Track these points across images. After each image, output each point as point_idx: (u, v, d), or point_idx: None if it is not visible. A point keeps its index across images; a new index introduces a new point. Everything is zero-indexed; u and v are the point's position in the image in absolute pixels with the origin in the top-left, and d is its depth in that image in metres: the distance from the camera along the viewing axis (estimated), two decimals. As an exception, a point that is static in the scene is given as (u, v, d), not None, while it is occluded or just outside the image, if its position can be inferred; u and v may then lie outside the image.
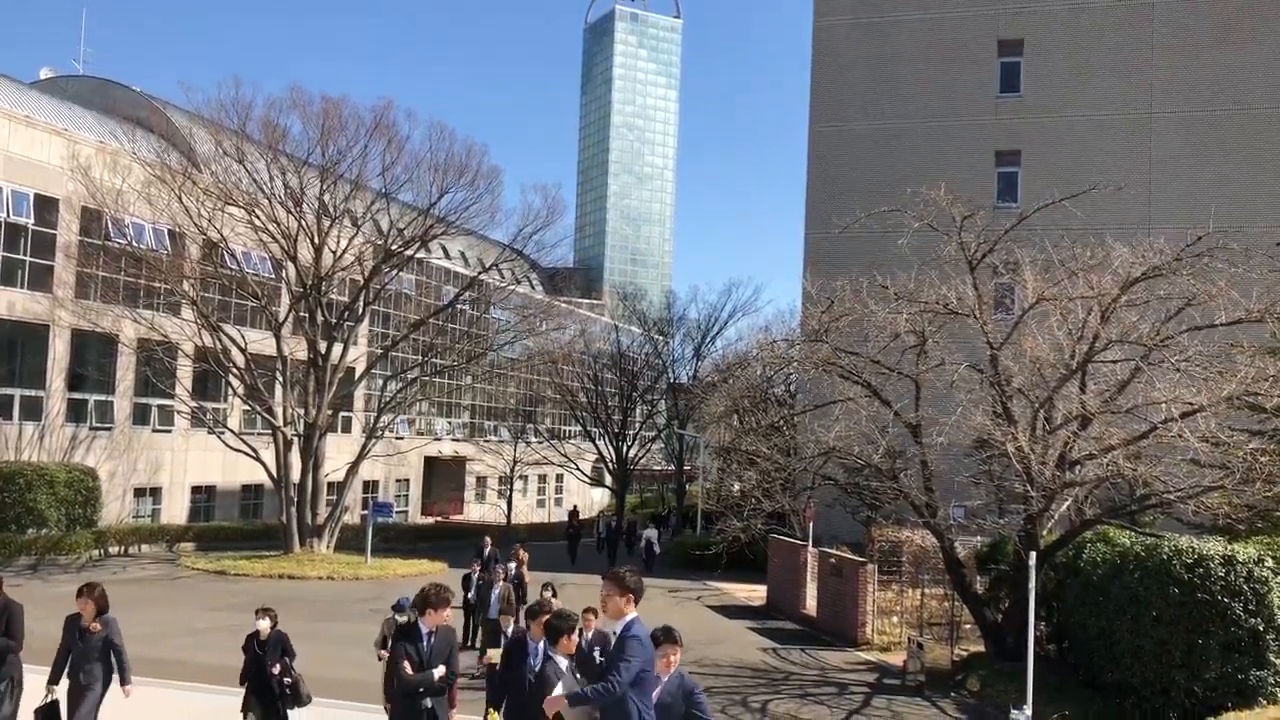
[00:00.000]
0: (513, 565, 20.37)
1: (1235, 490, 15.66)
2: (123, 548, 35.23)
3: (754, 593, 30.42)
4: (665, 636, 7.51)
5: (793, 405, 35.09)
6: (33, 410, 35.79)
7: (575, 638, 8.34)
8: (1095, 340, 17.48)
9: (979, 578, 21.10)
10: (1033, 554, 14.48)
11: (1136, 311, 17.87)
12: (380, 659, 11.90)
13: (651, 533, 36.23)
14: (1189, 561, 14.24)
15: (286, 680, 11.23)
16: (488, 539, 25.10)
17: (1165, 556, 14.47)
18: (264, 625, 11.33)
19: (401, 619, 11.26)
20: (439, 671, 8.76)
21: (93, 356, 37.82)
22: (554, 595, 13.25)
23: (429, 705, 8.76)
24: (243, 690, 11.39)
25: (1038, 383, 18.53)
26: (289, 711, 11.39)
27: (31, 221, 35.54)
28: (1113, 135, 35.01)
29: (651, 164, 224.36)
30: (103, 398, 38.29)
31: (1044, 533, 17.93)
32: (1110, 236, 19.52)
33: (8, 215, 34.75)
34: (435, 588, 9.04)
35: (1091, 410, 17.05)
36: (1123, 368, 17.55)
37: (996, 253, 20.24)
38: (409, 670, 8.70)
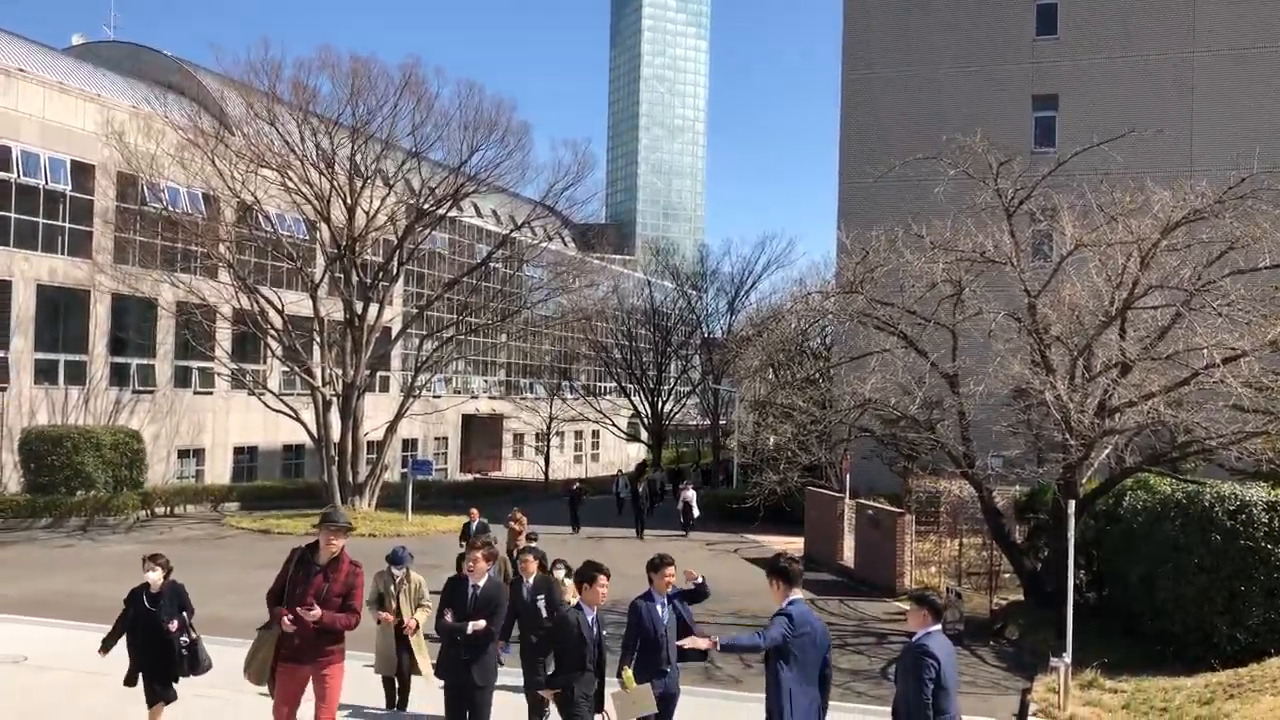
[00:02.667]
0: (531, 556, 16.08)
1: (1279, 435, 15.46)
2: (168, 508, 35.89)
3: (791, 544, 30.45)
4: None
5: (828, 358, 34.92)
6: (77, 374, 36.38)
7: (601, 588, 8.45)
8: (1135, 286, 17.23)
9: (1017, 527, 21.05)
10: (1072, 502, 14.39)
11: (1177, 256, 17.55)
12: (378, 622, 10.97)
13: (690, 494, 35.84)
14: (1231, 508, 14.11)
15: (184, 640, 9.64)
16: (474, 511, 20.79)
17: (1207, 503, 14.35)
18: (155, 576, 9.73)
19: (399, 572, 11.31)
20: (475, 624, 8.83)
21: (133, 321, 38.32)
22: (567, 574, 11.78)
23: (465, 658, 8.85)
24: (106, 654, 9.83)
25: (1076, 330, 18.31)
26: (189, 677, 9.90)
27: (69, 188, 35.91)
28: (1153, 76, 34.27)
29: (682, 116, 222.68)
30: (144, 361, 38.82)
31: (1083, 481, 17.82)
32: (1150, 180, 19.16)
33: (45, 182, 35.12)
34: (480, 533, 9.27)
35: (1131, 357, 16.84)
36: (1163, 313, 17.30)
37: (1034, 199, 19.93)
38: (447, 619, 8.87)
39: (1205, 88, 33.79)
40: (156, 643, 9.58)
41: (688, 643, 7.72)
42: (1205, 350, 15.54)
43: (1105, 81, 34.55)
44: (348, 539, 8.34)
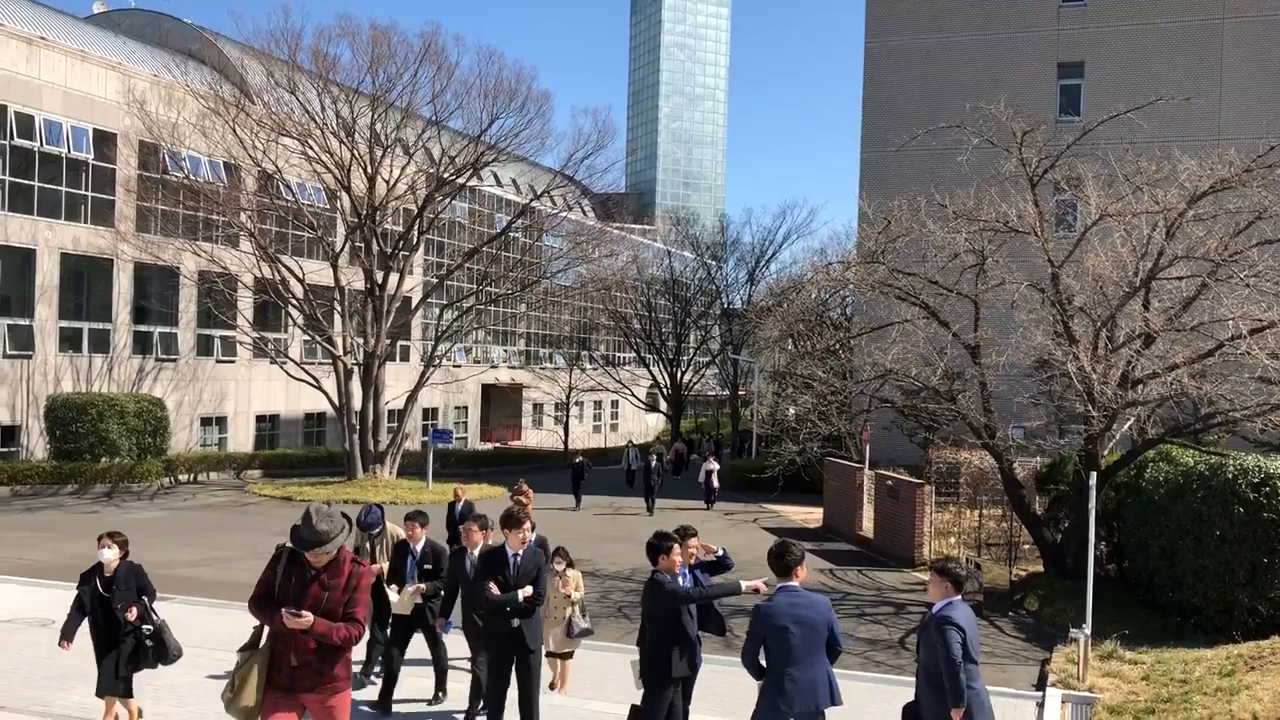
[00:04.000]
0: (475, 527, 11.37)
1: (1305, 408, 15.34)
2: (192, 475, 36.24)
3: (810, 515, 30.54)
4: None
5: (849, 328, 34.78)
6: (101, 343, 36.66)
7: (676, 557, 8.38)
8: (1160, 256, 17.07)
9: (1038, 498, 20.98)
10: (1093, 474, 14.32)
11: (1203, 226, 17.38)
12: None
13: (713, 465, 35.66)
14: (1255, 480, 14.02)
15: (145, 628, 8.49)
16: (459, 490, 17.40)
17: (1230, 475, 14.25)
18: (109, 555, 8.63)
19: (375, 531, 11.28)
20: (524, 592, 8.90)
21: (156, 289, 38.55)
22: (569, 565, 11.27)
23: (516, 624, 8.93)
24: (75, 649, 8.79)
25: (1100, 301, 18.18)
26: (155, 668, 8.80)
27: (91, 156, 36.03)
28: (1181, 43, 33.76)
29: (703, 84, 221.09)
30: (167, 330, 39.08)
31: (1105, 452, 17.73)
32: (1177, 149, 18.95)
33: (68, 150, 35.25)
34: (517, 507, 9.19)
35: (1155, 328, 16.71)
36: (1188, 284, 17.15)
37: (1058, 168, 19.72)
38: (494, 590, 8.86)
39: (1234, 56, 33.27)
40: (114, 631, 8.53)
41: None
42: (1231, 321, 15.41)
43: (1132, 49, 34.07)
44: (339, 543, 6.32)
